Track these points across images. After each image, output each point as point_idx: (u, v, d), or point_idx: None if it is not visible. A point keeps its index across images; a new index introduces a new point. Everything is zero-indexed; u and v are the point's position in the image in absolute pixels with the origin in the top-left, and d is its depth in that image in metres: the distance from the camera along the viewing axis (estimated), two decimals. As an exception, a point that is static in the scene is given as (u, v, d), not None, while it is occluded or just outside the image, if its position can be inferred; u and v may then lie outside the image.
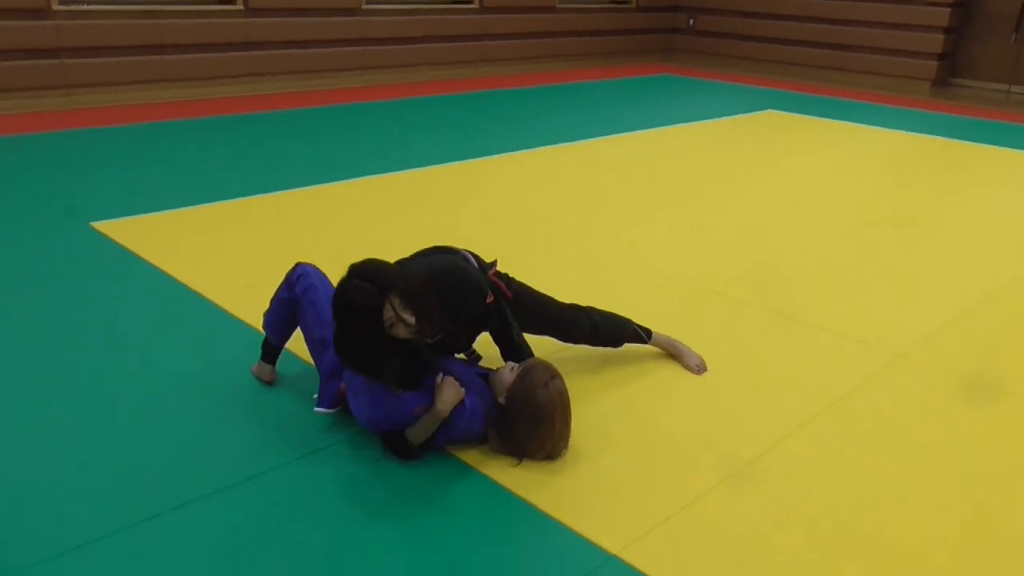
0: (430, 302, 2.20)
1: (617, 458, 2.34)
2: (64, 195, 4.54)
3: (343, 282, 2.19)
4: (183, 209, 4.37)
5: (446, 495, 2.17)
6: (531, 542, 2.01)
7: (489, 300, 2.38)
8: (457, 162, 5.60)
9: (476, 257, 2.55)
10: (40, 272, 3.49)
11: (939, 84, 9.74)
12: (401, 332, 2.17)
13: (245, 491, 2.14)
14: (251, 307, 2.96)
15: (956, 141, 7.01)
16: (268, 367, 2.68)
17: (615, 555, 1.96)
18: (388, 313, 2.14)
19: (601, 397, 2.67)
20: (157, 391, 2.60)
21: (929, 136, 7.21)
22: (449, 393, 2.21)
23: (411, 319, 2.15)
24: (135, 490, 2.12)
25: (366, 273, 2.17)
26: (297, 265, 2.59)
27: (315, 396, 2.50)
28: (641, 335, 2.91)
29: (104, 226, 4.05)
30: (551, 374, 2.32)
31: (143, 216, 4.23)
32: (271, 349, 2.67)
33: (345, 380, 2.35)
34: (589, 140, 6.50)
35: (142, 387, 2.62)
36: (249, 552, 1.93)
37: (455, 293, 2.31)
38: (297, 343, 2.64)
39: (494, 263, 2.62)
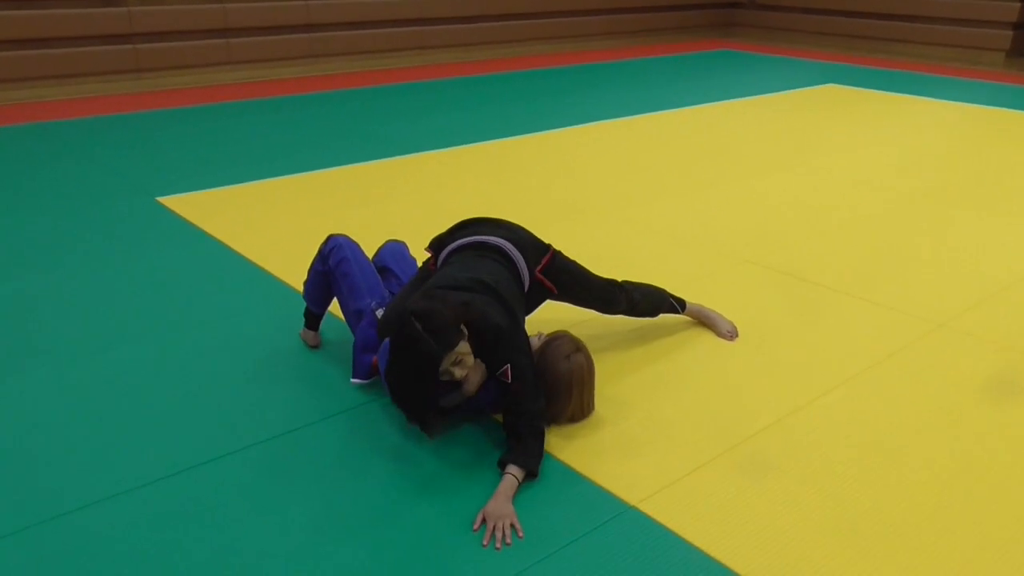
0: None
1: (640, 421, 2.40)
2: (133, 172, 4.79)
3: (407, 327, 2.11)
4: (243, 185, 4.56)
5: (473, 448, 2.27)
6: (555, 492, 2.09)
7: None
8: (510, 138, 5.67)
9: (521, 246, 2.49)
10: (108, 242, 3.72)
11: (1015, 54, 9.32)
12: (455, 376, 2.18)
13: (282, 443, 2.28)
14: (302, 276, 3.10)
15: (1029, 113, 6.76)
16: (312, 332, 2.82)
17: (634, 506, 2.03)
18: (445, 365, 2.13)
19: (630, 364, 2.73)
20: (210, 352, 2.76)
21: (1001, 109, 6.94)
22: (475, 375, 2.25)
23: (462, 372, 2.18)
24: (186, 439, 2.28)
25: (432, 327, 2.09)
26: (330, 237, 2.67)
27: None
28: (676, 307, 2.96)
29: (169, 200, 4.27)
30: (575, 347, 2.36)
31: (205, 191, 4.44)
32: (313, 316, 2.80)
33: (378, 354, 2.44)
34: (642, 115, 6.49)
35: (197, 348, 2.79)
36: (285, 497, 2.06)
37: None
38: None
39: (544, 256, 2.56)
